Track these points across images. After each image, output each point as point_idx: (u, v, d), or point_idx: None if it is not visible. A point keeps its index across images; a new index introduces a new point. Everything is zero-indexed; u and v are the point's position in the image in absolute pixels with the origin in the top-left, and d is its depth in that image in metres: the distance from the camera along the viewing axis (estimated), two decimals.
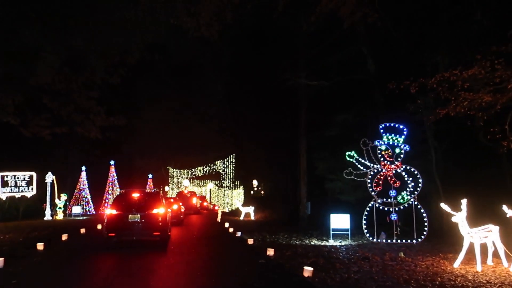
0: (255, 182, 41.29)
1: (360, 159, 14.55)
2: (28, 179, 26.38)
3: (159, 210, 12.51)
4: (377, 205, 14.36)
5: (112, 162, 35.16)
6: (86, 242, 14.76)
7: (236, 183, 37.53)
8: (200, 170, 40.94)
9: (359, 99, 18.88)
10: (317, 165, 21.10)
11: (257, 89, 28.58)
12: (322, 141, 20.61)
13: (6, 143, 30.34)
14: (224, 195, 41.04)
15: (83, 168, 32.69)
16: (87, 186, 32.84)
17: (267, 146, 30.02)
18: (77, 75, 17.51)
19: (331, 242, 14.59)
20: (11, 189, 25.79)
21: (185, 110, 37.10)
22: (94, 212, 32.44)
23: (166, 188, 43.16)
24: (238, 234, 16.32)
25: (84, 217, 28.51)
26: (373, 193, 14.39)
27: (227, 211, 36.84)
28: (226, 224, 20.65)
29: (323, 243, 14.41)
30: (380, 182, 14.32)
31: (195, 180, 43.50)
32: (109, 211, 12.49)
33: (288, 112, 25.72)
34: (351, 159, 14.59)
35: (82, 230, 17.48)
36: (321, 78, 18.46)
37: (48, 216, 26.73)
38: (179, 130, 37.64)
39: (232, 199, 39.73)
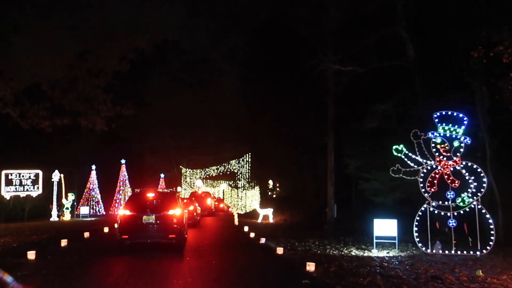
0: (270, 182, 38.67)
1: (410, 154, 11.95)
2: (34, 178, 24.19)
3: (175, 211, 11.31)
4: (431, 209, 11.73)
5: (123, 161, 32.89)
6: (87, 249, 12.40)
7: (251, 183, 34.99)
8: (214, 170, 38.44)
9: (397, 88, 16.22)
10: (348, 163, 18.48)
11: (275, 82, 26.11)
12: (355, 136, 17.96)
13: (11, 139, 28.46)
14: (238, 196, 38.57)
15: (93, 166, 30.51)
16: (97, 185, 30.68)
17: (285, 144, 27.47)
18: (81, 61, 15.22)
19: (374, 252, 12.01)
20: (16, 188, 23.59)
21: (198, 107, 34.80)
22: (104, 213, 30.25)
23: (179, 189, 40.80)
24: (262, 240, 13.83)
25: (93, 218, 26.28)
26: (426, 194, 11.77)
27: (242, 213, 34.32)
28: (245, 228, 18.24)
29: (365, 254, 11.84)
30: (435, 181, 11.69)
31: (208, 180, 41.06)
32: (122, 211, 11.48)
33: (311, 106, 23.19)
34: (399, 154, 12.01)
35: (86, 234, 15.14)
36: (355, 64, 15.86)
37: (54, 217, 24.59)
38: (192, 128, 35.33)
39: (246, 200, 37.23)
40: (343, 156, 18.74)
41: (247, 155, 34.09)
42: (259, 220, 24.66)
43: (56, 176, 25.25)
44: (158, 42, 36.69)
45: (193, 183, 40.44)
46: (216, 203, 34.83)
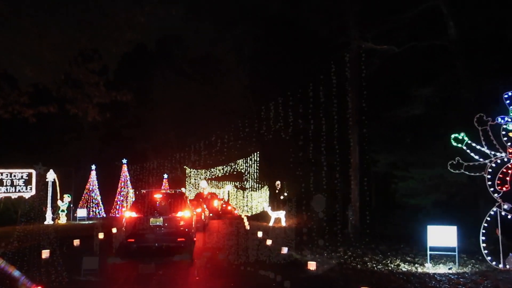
0: (278, 183, 35.99)
1: (474, 145, 9.33)
2: (26, 178, 21.62)
3: (184, 213, 10.70)
4: (503, 213, 9.07)
5: (124, 161, 30.33)
6: (71, 264, 9.71)
7: (260, 184, 32.29)
8: (219, 170, 35.74)
9: (439, 70, 13.55)
10: (378, 159, 15.81)
11: (285, 74, 23.53)
12: (385, 128, 15.30)
13: (9, 139, 26.11)
14: (243, 197, 35.89)
15: (93, 166, 27.96)
16: (97, 186, 28.12)
17: (297, 141, 24.82)
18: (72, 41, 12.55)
19: (429, 267, 9.33)
20: (7, 189, 21.05)
21: (203, 104, 32.19)
22: (104, 215, 27.68)
23: (183, 190, 38.14)
24: (284, 250, 11.22)
25: (91, 221, 23.67)
26: (496, 194, 9.11)
27: (249, 215, 31.63)
28: (259, 233, 15.65)
29: (419, 269, 9.16)
30: (507, 178, 9.04)
31: (213, 181, 38.38)
32: (128, 213, 10.87)
33: (328, 97, 20.54)
34: (459, 144, 9.39)
35: (76, 242, 12.52)
36: (390, 42, 13.23)
37: (49, 220, 22.02)
38: (198, 126, 32.70)
39: (252, 202, 34.55)
40: (369, 152, 16.10)
41: (255, 154, 31.42)
42: (271, 224, 22.05)
43: (50, 175, 22.72)
44: (160, 36, 34.23)
45: (198, 184, 37.83)
46: (224, 205, 32.23)
